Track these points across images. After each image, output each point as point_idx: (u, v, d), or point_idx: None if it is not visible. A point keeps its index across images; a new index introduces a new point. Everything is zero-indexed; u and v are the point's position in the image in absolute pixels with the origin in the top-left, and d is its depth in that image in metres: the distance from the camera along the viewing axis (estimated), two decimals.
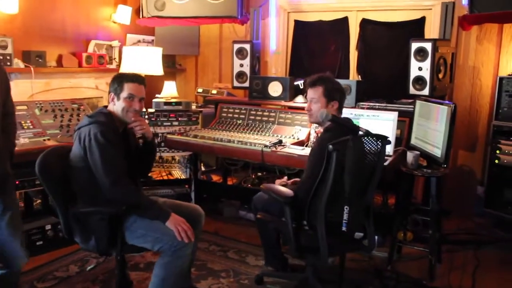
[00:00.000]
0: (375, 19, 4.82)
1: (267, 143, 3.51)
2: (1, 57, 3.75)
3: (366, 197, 2.54)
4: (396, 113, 3.43)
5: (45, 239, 3.35)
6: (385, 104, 3.84)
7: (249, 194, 3.41)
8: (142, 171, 2.76)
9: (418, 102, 3.42)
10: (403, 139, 3.56)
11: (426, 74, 3.70)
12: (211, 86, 5.54)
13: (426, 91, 3.71)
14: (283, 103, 4.28)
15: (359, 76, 4.91)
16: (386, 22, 4.77)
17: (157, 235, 2.33)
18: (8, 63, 3.79)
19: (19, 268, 2.48)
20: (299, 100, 4.20)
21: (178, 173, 4.72)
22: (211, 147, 3.72)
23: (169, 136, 3.99)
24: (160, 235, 2.32)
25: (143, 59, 4.38)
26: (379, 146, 2.45)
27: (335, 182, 2.32)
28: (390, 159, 3.13)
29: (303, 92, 4.19)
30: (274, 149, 3.43)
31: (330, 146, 2.27)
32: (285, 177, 3.15)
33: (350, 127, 2.59)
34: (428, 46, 3.67)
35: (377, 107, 3.80)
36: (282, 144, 3.54)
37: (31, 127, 3.45)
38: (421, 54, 3.71)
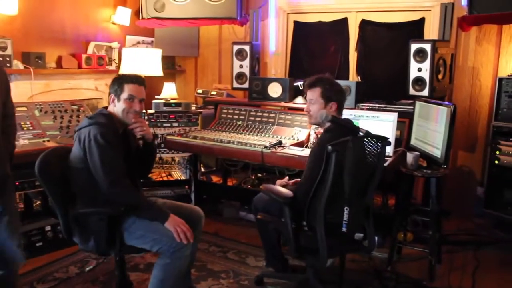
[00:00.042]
0: (375, 20, 4.82)
1: (267, 144, 3.51)
2: (1, 59, 3.75)
3: (366, 198, 2.54)
4: (395, 114, 3.43)
5: (45, 240, 3.34)
6: (384, 105, 3.85)
7: (249, 195, 3.41)
8: (142, 172, 2.77)
9: (417, 103, 3.42)
10: (403, 140, 3.56)
11: (425, 75, 3.71)
12: (210, 87, 5.55)
13: (425, 92, 3.72)
14: (282, 104, 4.28)
15: (359, 77, 4.91)
16: (386, 23, 4.77)
17: (156, 236, 2.33)
18: (8, 65, 3.79)
19: (16, 269, 2.48)
20: (299, 101, 4.20)
21: (178, 174, 4.72)
22: (211, 148, 3.72)
23: (168, 137, 4.00)
24: (159, 236, 2.32)
25: (143, 60, 4.39)
26: (379, 147, 2.45)
27: (335, 183, 2.32)
28: (390, 160, 3.13)
29: (302, 93, 4.19)
30: (274, 150, 3.43)
31: (329, 147, 2.27)
32: (286, 178, 3.15)
33: (350, 128, 2.59)
34: (427, 47, 3.68)
35: (376, 108, 3.80)
36: (282, 145, 3.55)
37: (30, 128, 3.44)
38: (420, 55, 3.72)
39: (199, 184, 4.48)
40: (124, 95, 2.45)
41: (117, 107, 2.47)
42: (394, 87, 4.48)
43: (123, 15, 5.09)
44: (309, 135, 3.76)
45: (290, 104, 4.24)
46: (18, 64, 3.95)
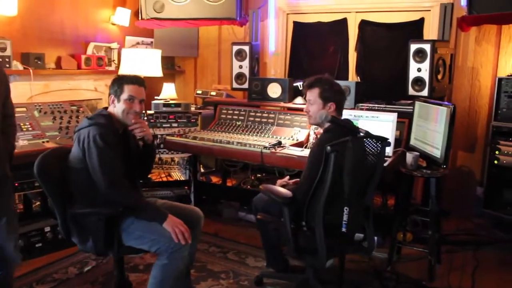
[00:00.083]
0: (374, 20, 4.82)
1: (267, 145, 3.51)
2: (0, 59, 3.75)
3: (365, 198, 2.54)
4: (395, 114, 3.44)
5: (44, 241, 3.34)
6: (384, 105, 3.85)
7: (249, 196, 3.41)
8: (141, 172, 2.77)
9: (417, 103, 3.42)
10: (403, 140, 3.57)
11: (425, 75, 3.71)
12: (210, 87, 5.55)
13: (425, 92, 3.72)
14: (282, 104, 4.28)
15: (358, 77, 4.92)
16: (385, 23, 4.77)
17: (154, 236, 2.33)
18: (7, 65, 3.79)
19: (13, 270, 2.48)
20: (298, 102, 4.20)
21: (178, 175, 4.72)
22: (210, 149, 3.72)
23: (168, 137, 4.00)
24: (157, 236, 2.32)
25: (142, 61, 4.39)
26: (379, 148, 2.45)
27: (334, 183, 2.32)
28: (389, 160, 3.13)
29: (302, 93, 4.19)
30: (273, 150, 3.43)
31: (328, 148, 2.27)
32: (287, 177, 3.15)
33: (349, 128, 2.59)
34: (427, 47, 3.68)
35: (376, 108, 3.81)
36: (282, 145, 3.55)
37: (30, 129, 3.44)
38: (420, 55, 3.72)
39: (199, 184, 4.47)
40: (124, 96, 2.45)
41: (117, 108, 2.47)
42: (393, 87, 4.48)
43: (123, 16, 5.08)
44: (308, 135, 3.76)
45: (290, 105, 4.24)
46: (17, 65, 3.95)
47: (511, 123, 3.72)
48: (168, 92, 5.06)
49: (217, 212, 4.31)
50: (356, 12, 4.89)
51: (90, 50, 4.79)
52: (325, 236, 2.37)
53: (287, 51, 5.35)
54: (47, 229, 3.35)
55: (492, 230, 3.94)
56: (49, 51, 4.36)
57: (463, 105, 4.37)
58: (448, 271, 3.23)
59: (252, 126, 4.13)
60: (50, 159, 2.43)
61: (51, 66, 4.37)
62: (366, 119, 3.48)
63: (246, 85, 4.57)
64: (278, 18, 5.27)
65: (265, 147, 3.47)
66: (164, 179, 4.78)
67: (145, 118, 4.21)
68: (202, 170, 4.96)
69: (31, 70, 3.98)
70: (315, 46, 5.20)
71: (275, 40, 5.32)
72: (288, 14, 5.28)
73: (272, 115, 4.14)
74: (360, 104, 3.88)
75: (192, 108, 4.64)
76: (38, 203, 3.67)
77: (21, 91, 3.94)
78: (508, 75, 3.91)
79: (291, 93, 4.31)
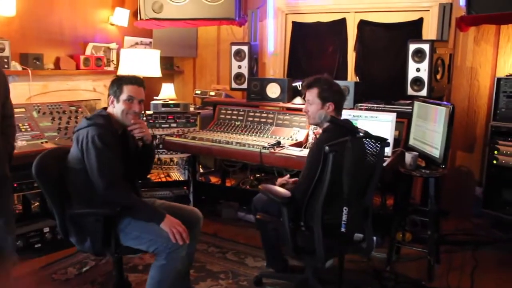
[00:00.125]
0: (373, 20, 4.83)
1: (266, 145, 3.51)
2: None
3: (365, 198, 2.54)
4: (394, 114, 3.44)
5: (43, 241, 3.34)
6: (383, 105, 3.85)
7: (248, 196, 3.42)
8: (141, 173, 2.77)
9: (416, 103, 3.43)
10: (402, 140, 3.57)
11: (424, 75, 3.71)
12: (209, 87, 5.54)
13: (424, 92, 3.72)
14: (281, 104, 4.28)
15: (357, 77, 4.92)
16: (384, 23, 4.78)
17: (152, 237, 2.33)
18: (6, 66, 3.78)
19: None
20: (297, 102, 4.21)
21: (177, 175, 4.72)
22: (210, 149, 3.72)
23: (167, 138, 4.00)
24: (155, 237, 2.32)
25: (141, 61, 4.38)
26: (378, 148, 2.45)
27: (332, 183, 2.32)
28: (388, 160, 3.13)
29: (301, 93, 4.19)
30: (272, 150, 3.44)
31: (327, 148, 2.27)
32: (287, 175, 3.15)
33: (348, 128, 2.60)
34: (426, 47, 3.69)
35: (375, 108, 3.81)
36: (281, 145, 3.55)
37: (29, 129, 3.44)
38: (419, 55, 3.73)
39: (198, 184, 4.47)
40: (123, 96, 2.45)
41: (116, 108, 2.47)
42: (392, 87, 4.49)
43: (121, 16, 5.08)
44: (307, 135, 3.76)
45: (289, 105, 4.24)
46: (16, 66, 3.95)
47: (510, 123, 3.72)
48: (167, 92, 5.06)
49: (216, 212, 4.31)
50: (355, 12, 4.90)
51: (88, 51, 4.78)
52: (323, 236, 2.37)
53: (286, 51, 5.35)
54: (46, 229, 3.35)
55: (491, 230, 3.94)
56: (48, 52, 4.36)
57: (462, 105, 4.38)
58: (447, 271, 3.23)
59: (251, 126, 4.13)
60: (49, 159, 2.43)
61: (49, 67, 4.36)
62: (365, 119, 3.48)
63: (245, 85, 4.57)
64: (277, 18, 5.27)
65: (264, 147, 3.47)
66: (163, 179, 4.78)
67: (144, 118, 4.21)
68: (201, 170, 4.96)
69: (29, 71, 3.97)
70: (314, 46, 5.20)
71: (274, 40, 5.33)
72: (287, 14, 5.28)
73: (271, 115, 4.14)
74: (359, 104, 3.89)
75: (191, 108, 4.64)
76: (37, 203, 3.67)
77: (19, 92, 3.94)
78: (506, 75, 3.91)
79: (290, 93, 4.31)
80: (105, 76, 4.79)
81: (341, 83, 2.99)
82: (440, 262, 3.34)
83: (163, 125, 4.32)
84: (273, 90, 4.29)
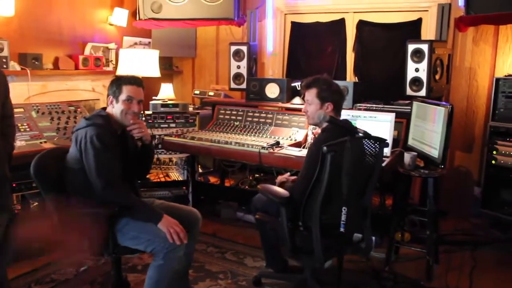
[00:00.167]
0: (372, 21, 4.83)
1: (265, 145, 3.51)
2: None
3: (364, 198, 2.54)
4: (393, 114, 3.44)
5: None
6: (382, 105, 3.85)
7: (247, 196, 3.42)
8: (140, 173, 2.77)
9: (415, 103, 3.43)
10: (400, 140, 3.57)
11: (422, 75, 3.72)
12: (208, 88, 5.54)
13: (423, 92, 3.73)
14: (280, 104, 4.28)
15: (356, 77, 4.92)
16: (383, 24, 4.78)
17: (149, 237, 2.33)
18: (4, 66, 3.77)
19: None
20: (296, 102, 4.21)
21: (176, 175, 4.71)
22: (209, 149, 3.72)
23: (166, 138, 4.00)
24: (152, 237, 2.32)
25: (140, 61, 4.38)
26: (377, 148, 2.46)
27: (331, 184, 2.32)
28: (387, 160, 3.13)
29: (300, 93, 4.19)
30: (271, 150, 3.44)
31: (325, 148, 2.27)
32: (287, 173, 3.15)
33: (348, 128, 2.60)
34: (424, 47, 3.69)
35: (374, 108, 3.81)
36: (280, 145, 3.55)
37: (28, 129, 3.44)
38: (417, 55, 3.73)
39: (197, 185, 4.47)
40: (123, 97, 2.45)
41: (115, 109, 2.47)
42: (391, 87, 4.49)
43: (120, 16, 5.08)
44: (306, 135, 3.77)
45: (288, 105, 4.24)
46: (14, 66, 3.94)
47: (508, 123, 3.73)
48: (166, 92, 5.06)
49: (215, 212, 4.31)
50: (354, 12, 4.90)
51: (87, 51, 4.78)
52: (322, 236, 2.37)
53: (285, 51, 5.36)
54: None
55: (489, 230, 3.95)
56: (47, 52, 4.35)
57: (461, 105, 4.38)
58: (446, 271, 3.24)
59: (250, 126, 4.13)
60: (47, 159, 2.43)
61: (48, 67, 4.36)
62: (364, 119, 3.48)
63: (244, 85, 4.57)
64: (276, 18, 5.27)
65: (263, 147, 3.47)
66: (162, 179, 4.77)
67: (143, 118, 4.20)
68: (200, 170, 4.96)
69: (28, 71, 3.97)
70: (313, 46, 5.20)
71: (273, 40, 5.33)
72: (286, 14, 5.28)
73: (270, 115, 4.14)
74: (358, 104, 3.89)
75: (190, 109, 4.64)
76: (35, 203, 3.65)
77: (18, 92, 3.93)
78: (505, 75, 3.92)
79: (289, 93, 4.31)
80: (104, 76, 4.78)
81: (340, 83, 2.99)
82: (439, 262, 3.34)
83: (162, 125, 4.32)
84: (272, 90, 4.29)
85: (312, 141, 3.49)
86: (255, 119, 4.18)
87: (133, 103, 2.47)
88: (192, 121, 4.41)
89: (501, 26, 4.15)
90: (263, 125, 4.10)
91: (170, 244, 2.29)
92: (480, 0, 3.75)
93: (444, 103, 3.13)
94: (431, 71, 3.69)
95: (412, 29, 4.60)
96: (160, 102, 4.44)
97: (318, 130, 2.84)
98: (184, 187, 4.45)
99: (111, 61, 4.98)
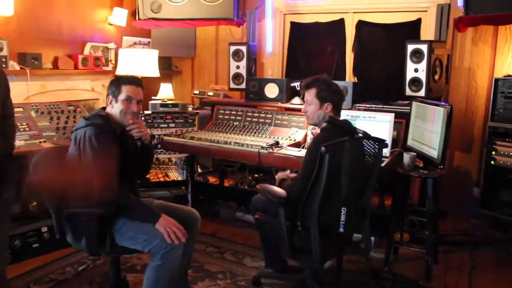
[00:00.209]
0: (371, 21, 4.83)
1: (264, 145, 3.51)
2: None
3: (363, 199, 2.54)
4: (392, 115, 3.44)
5: (41, 241, 3.33)
6: (381, 106, 3.86)
7: (246, 196, 3.42)
8: (139, 173, 2.76)
9: (414, 104, 3.43)
10: (400, 141, 3.57)
11: (422, 75, 3.72)
12: (207, 88, 5.54)
13: (422, 93, 3.73)
14: (279, 104, 4.28)
15: (355, 77, 4.92)
16: (382, 24, 4.78)
17: (147, 237, 2.33)
18: (4, 65, 3.77)
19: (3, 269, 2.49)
20: (296, 102, 4.21)
21: (175, 175, 4.71)
22: (208, 149, 3.72)
23: (165, 138, 4.00)
24: (150, 237, 2.32)
25: (139, 61, 4.38)
26: (376, 149, 2.46)
27: (330, 184, 2.32)
28: (386, 160, 3.13)
29: (299, 93, 4.19)
30: (270, 150, 3.44)
31: (323, 148, 2.27)
32: (288, 171, 3.14)
33: (347, 128, 2.60)
34: (424, 47, 3.69)
35: (373, 108, 3.81)
36: (279, 145, 3.55)
37: (27, 129, 3.44)
38: (417, 55, 3.73)
39: (196, 184, 4.47)
40: (122, 96, 2.45)
41: (115, 108, 2.47)
42: (390, 87, 4.49)
43: (120, 16, 5.07)
44: (306, 135, 3.77)
45: (287, 105, 4.24)
46: (14, 65, 3.93)
47: (507, 124, 3.73)
48: (165, 92, 5.06)
49: (215, 212, 4.31)
50: (353, 12, 4.90)
51: (87, 50, 4.77)
52: (320, 236, 2.37)
53: (284, 51, 5.36)
54: (44, 229, 3.34)
55: (488, 231, 3.95)
56: (46, 51, 4.34)
57: (460, 106, 4.38)
58: (445, 271, 3.24)
59: (250, 126, 4.13)
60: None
61: (48, 66, 4.35)
62: (363, 120, 3.48)
63: (243, 85, 4.57)
64: (275, 18, 5.27)
65: (262, 147, 3.47)
66: (162, 179, 4.77)
67: (143, 118, 4.20)
68: (199, 170, 4.95)
69: (28, 70, 3.96)
70: (312, 47, 5.20)
71: (273, 41, 5.33)
72: (285, 14, 5.28)
73: (270, 115, 4.14)
74: (357, 105, 3.89)
75: (190, 108, 4.64)
76: (35, 203, 3.65)
77: (18, 91, 3.92)
78: (504, 76, 3.92)
79: (289, 93, 4.31)
80: (103, 76, 4.78)
81: (339, 83, 2.99)
82: (438, 263, 3.34)
83: (161, 125, 4.32)
84: (271, 90, 4.29)
85: (311, 141, 3.50)
86: (255, 119, 4.18)
87: (133, 103, 2.47)
88: (191, 121, 4.41)
89: (500, 27, 4.15)
90: (263, 125, 4.10)
91: (168, 244, 2.29)
92: (479, 0, 3.75)
93: (443, 103, 3.13)
94: (430, 72, 3.69)
95: (411, 29, 4.60)
96: (159, 102, 4.44)
97: (318, 130, 2.84)
98: (183, 187, 4.45)
99: (111, 61, 4.98)
